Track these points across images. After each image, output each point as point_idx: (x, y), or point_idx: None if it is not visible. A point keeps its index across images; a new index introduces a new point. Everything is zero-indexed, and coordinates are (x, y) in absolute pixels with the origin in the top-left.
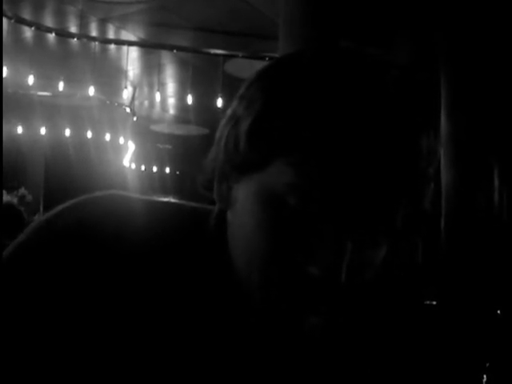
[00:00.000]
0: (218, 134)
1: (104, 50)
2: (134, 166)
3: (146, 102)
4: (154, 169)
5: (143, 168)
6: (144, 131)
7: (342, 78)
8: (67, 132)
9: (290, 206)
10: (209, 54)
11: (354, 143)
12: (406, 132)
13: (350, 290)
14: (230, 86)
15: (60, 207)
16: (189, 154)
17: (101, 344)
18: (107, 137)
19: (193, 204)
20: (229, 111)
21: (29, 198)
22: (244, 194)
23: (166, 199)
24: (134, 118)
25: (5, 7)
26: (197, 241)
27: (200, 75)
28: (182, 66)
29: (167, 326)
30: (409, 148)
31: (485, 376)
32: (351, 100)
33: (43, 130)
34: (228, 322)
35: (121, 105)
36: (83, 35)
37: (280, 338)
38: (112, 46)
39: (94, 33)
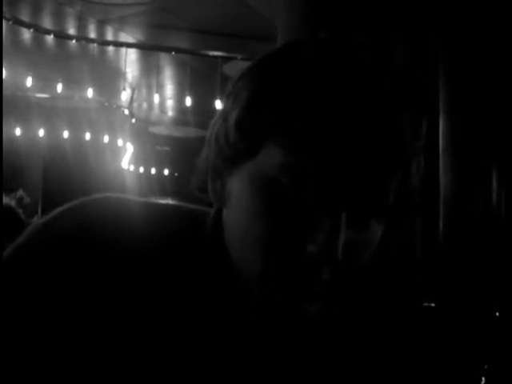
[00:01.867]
0: (208, 134)
1: (102, 52)
2: (132, 168)
3: (145, 104)
4: (153, 171)
5: (142, 170)
6: (142, 133)
7: (324, 62)
8: (65, 134)
9: (283, 187)
10: (207, 55)
11: (339, 121)
12: (388, 109)
13: (348, 275)
14: None
15: (58, 210)
16: (187, 155)
17: (100, 346)
18: (106, 139)
19: (191, 206)
20: (219, 110)
21: (27, 200)
22: (238, 186)
23: (164, 201)
24: (133, 120)
25: (3, 9)
26: (195, 242)
27: (199, 77)
28: (181, 67)
29: (167, 327)
30: (391, 122)
31: (483, 378)
32: (335, 80)
33: (41, 132)
34: (228, 322)
35: (119, 107)
36: (82, 37)
37: (279, 334)
38: (110, 48)
39: (92, 34)
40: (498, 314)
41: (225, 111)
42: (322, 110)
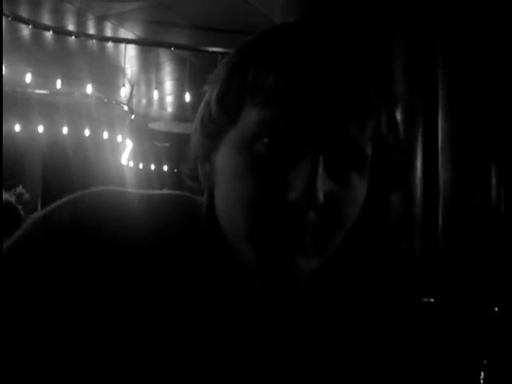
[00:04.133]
0: (195, 123)
1: (102, 48)
2: (131, 164)
3: (144, 100)
4: (152, 167)
5: (141, 166)
6: (142, 129)
7: (295, 28)
8: (65, 130)
9: (261, 144)
10: (206, 51)
11: (307, 71)
12: (352, 61)
13: (335, 230)
14: None
15: (57, 203)
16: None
17: (100, 337)
18: (105, 135)
19: (187, 194)
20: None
21: (26, 196)
22: (222, 157)
23: (161, 192)
24: (132, 116)
25: (2, 5)
26: (192, 230)
27: (198, 73)
28: (180, 63)
29: (169, 315)
30: (355, 75)
31: (482, 373)
32: (305, 38)
33: (41, 129)
34: (229, 305)
35: (118, 103)
36: (81, 33)
37: (279, 311)
38: (110, 44)
39: (91, 31)
40: (496, 309)
41: (207, 97)
42: (292, 66)
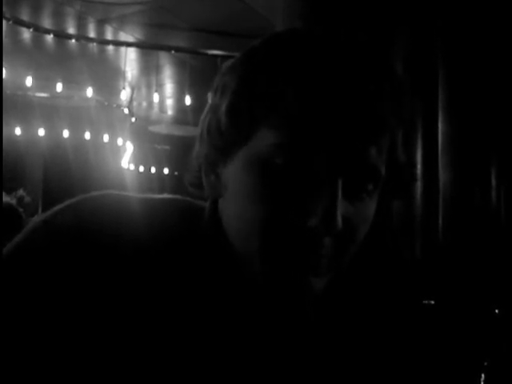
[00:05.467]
0: (199, 130)
1: (102, 51)
2: (132, 167)
3: (144, 103)
4: (153, 170)
5: (141, 169)
6: (142, 132)
7: (311, 41)
8: (65, 133)
9: (277, 167)
10: (206, 54)
11: (327, 95)
12: (369, 81)
13: (347, 250)
14: None
15: (57, 207)
16: (187, 154)
17: (102, 341)
18: (105, 138)
19: (188, 199)
20: (206, 106)
21: (27, 199)
22: (233, 174)
23: (161, 196)
24: (133, 119)
25: (3, 8)
26: (194, 234)
27: (198, 76)
28: (180, 66)
29: (171, 320)
30: (373, 96)
31: (483, 375)
32: (320, 57)
33: (41, 132)
34: (233, 310)
35: (119, 106)
36: (81, 36)
37: (284, 319)
38: (110, 47)
39: (92, 34)
40: (497, 310)
41: (214, 104)
42: (309, 87)
